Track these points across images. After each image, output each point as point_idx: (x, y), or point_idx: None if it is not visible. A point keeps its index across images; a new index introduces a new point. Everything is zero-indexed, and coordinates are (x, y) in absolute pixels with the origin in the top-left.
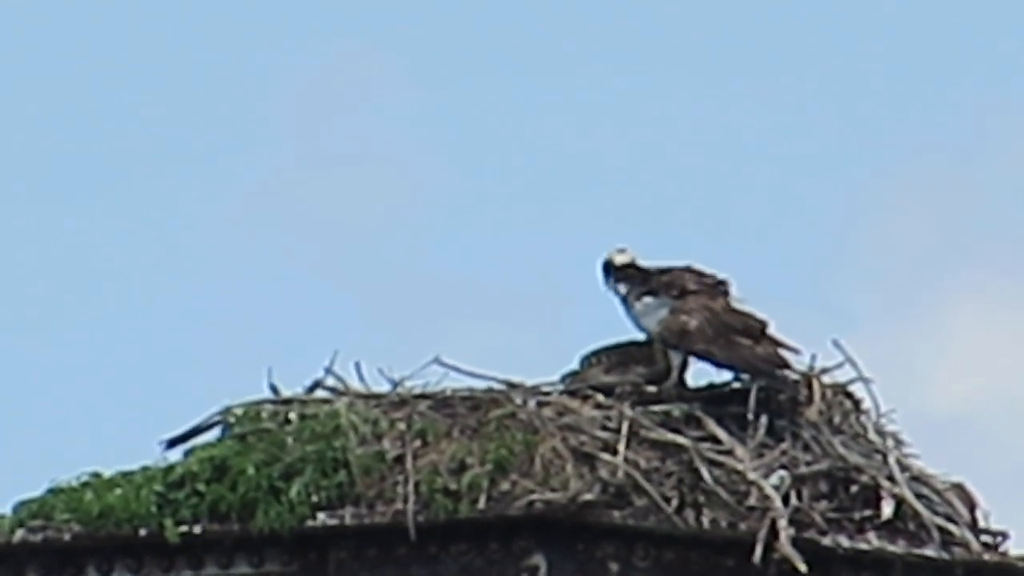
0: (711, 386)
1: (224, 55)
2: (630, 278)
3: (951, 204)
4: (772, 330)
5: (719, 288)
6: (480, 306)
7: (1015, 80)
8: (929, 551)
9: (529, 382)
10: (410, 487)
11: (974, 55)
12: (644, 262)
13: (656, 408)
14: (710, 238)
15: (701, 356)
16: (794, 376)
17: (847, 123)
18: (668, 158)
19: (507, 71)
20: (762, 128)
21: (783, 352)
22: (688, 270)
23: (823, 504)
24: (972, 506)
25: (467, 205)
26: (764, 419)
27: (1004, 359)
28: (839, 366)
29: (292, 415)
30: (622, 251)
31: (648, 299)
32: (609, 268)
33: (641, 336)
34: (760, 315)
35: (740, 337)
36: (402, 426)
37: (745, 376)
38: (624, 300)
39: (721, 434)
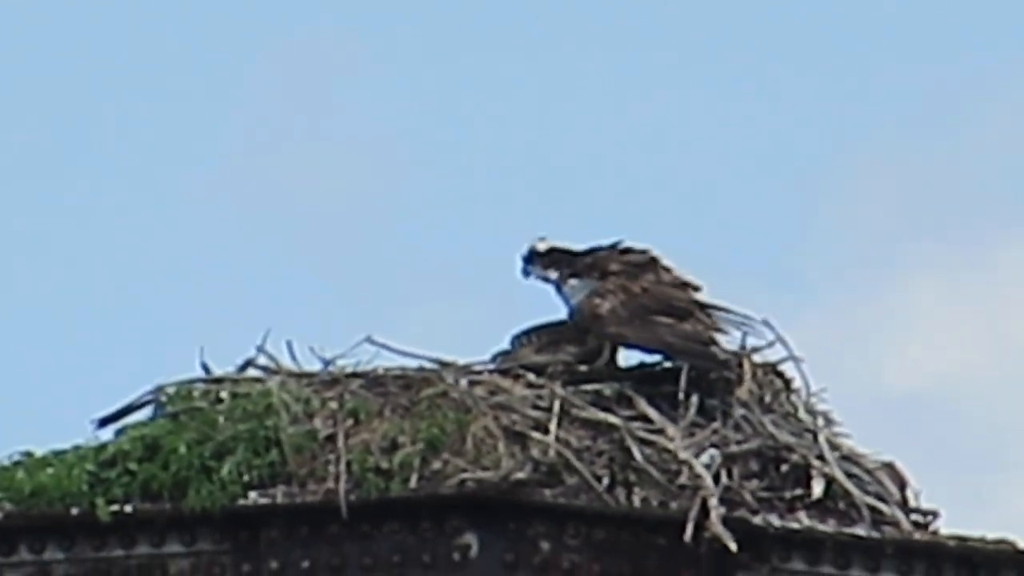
0: (642, 365)
1: (194, 35)
2: (557, 262)
3: (912, 179)
4: (704, 296)
5: (646, 267)
6: (413, 286)
7: (975, 55)
8: (859, 530)
9: (461, 361)
10: (342, 466)
11: (933, 31)
12: (574, 245)
13: (587, 387)
14: (670, 215)
15: (614, 339)
16: (721, 355)
17: (807, 99)
18: (628, 139)
19: (475, 55)
20: (723, 106)
21: (713, 331)
22: (614, 248)
23: (754, 483)
24: (902, 485)
25: (420, 187)
26: (695, 398)
27: (965, 334)
28: (770, 345)
29: (224, 394)
30: (543, 239)
31: (574, 281)
32: (533, 257)
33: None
34: (693, 286)
35: (661, 316)
36: (334, 405)
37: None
38: (556, 284)
39: (652, 413)
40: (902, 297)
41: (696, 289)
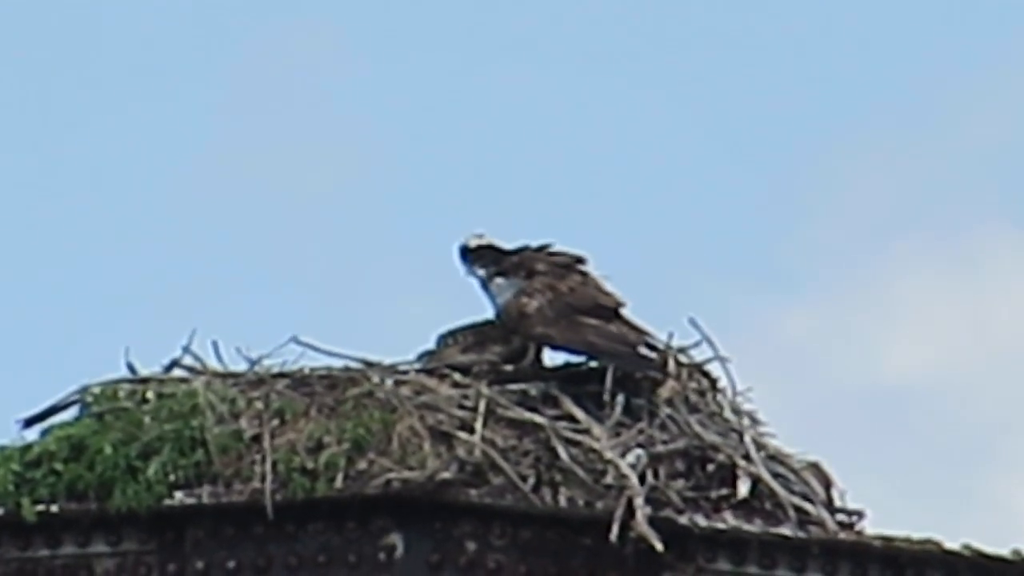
0: (568, 365)
1: (177, 27)
2: (486, 260)
3: (901, 173)
4: (627, 312)
5: (572, 267)
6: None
7: (965, 50)
8: (785, 530)
9: (386, 361)
10: (267, 466)
11: (923, 25)
12: (503, 243)
13: (513, 387)
14: (658, 210)
15: (540, 340)
16: (646, 355)
17: (796, 93)
18: (613, 133)
19: (459, 49)
20: (710, 98)
21: (639, 332)
22: (542, 250)
23: (680, 483)
24: (828, 485)
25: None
26: (621, 398)
27: (952, 328)
28: (696, 345)
29: (150, 394)
30: (479, 236)
31: (500, 280)
32: (466, 252)
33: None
34: (616, 295)
35: (586, 317)
36: (260, 405)
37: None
38: (483, 282)
39: (578, 413)
40: (890, 291)
41: (620, 304)
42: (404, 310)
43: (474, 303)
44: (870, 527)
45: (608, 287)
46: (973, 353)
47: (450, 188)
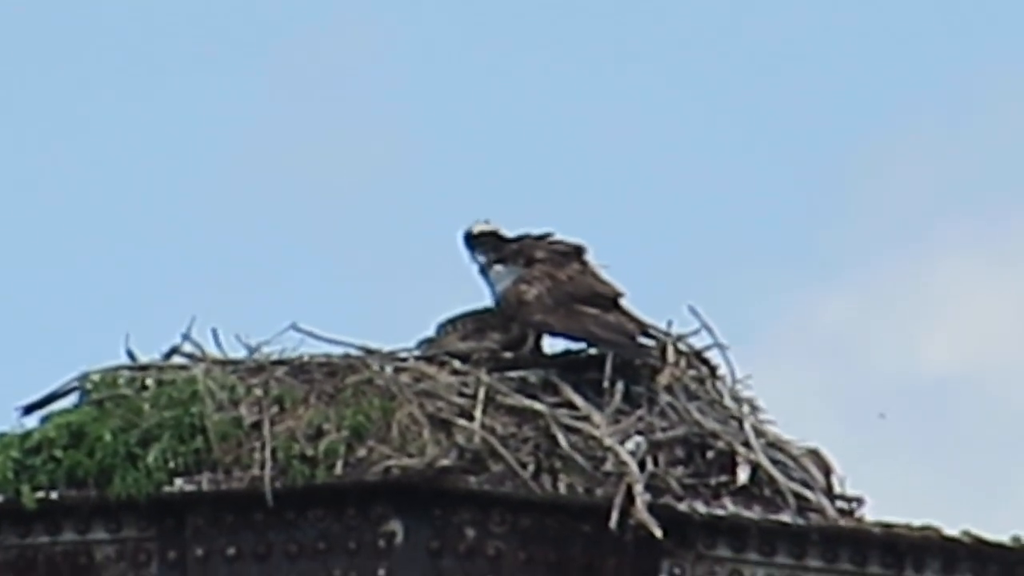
0: (567, 352)
1: (216, 23)
2: (487, 247)
3: (946, 159)
4: (626, 302)
5: (571, 256)
6: (339, 272)
7: (1007, 36)
8: (785, 517)
9: (386, 348)
10: (267, 453)
11: (968, 10)
12: (508, 231)
13: (512, 374)
14: (703, 196)
15: (539, 327)
16: (646, 343)
17: (838, 81)
18: (661, 122)
19: (495, 44)
20: (759, 84)
21: (638, 322)
22: (543, 238)
23: (679, 470)
24: (827, 472)
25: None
26: (620, 385)
27: (991, 317)
28: (695, 332)
29: (149, 381)
30: (484, 222)
31: (499, 267)
32: (469, 239)
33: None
34: (615, 284)
35: (584, 306)
36: (259, 392)
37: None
38: (482, 269)
39: (577, 400)
40: (931, 279)
41: (619, 294)
42: (404, 297)
43: (475, 290)
44: (870, 514)
45: (607, 277)
46: (1014, 342)
47: (475, 180)
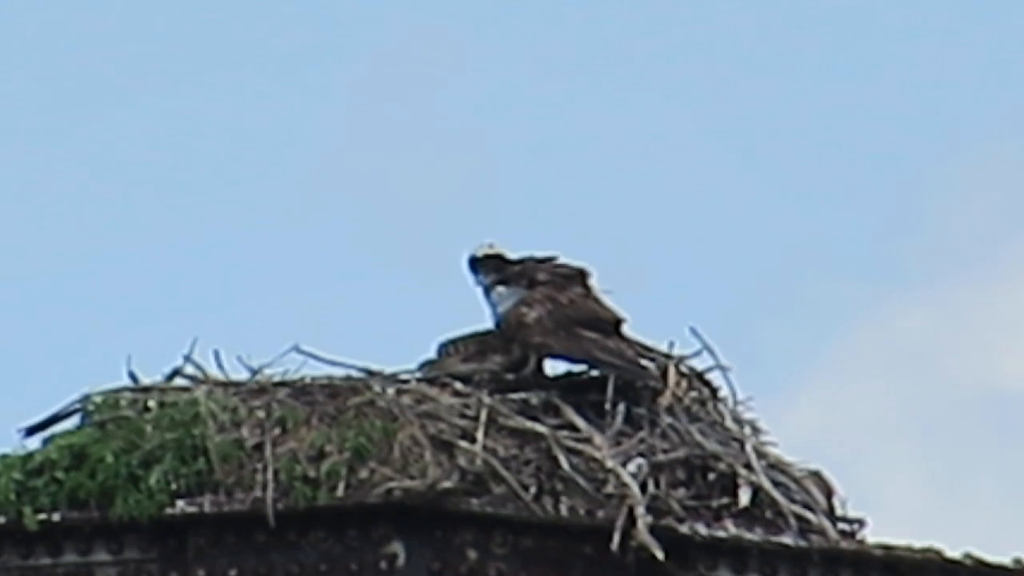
0: (569, 374)
1: (293, 29)
2: (490, 268)
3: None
4: (627, 328)
5: (574, 280)
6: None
7: None
8: (786, 539)
9: (388, 370)
10: (269, 474)
11: None
12: (510, 253)
13: (514, 396)
14: (781, 209)
15: (539, 349)
16: (647, 365)
17: (920, 98)
18: (740, 133)
19: (572, 61)
20: (841, 101)
21: (639, 347)
22: (546, 261)
23: (681, 492)
24: (829, 493)
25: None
26: (622, 407)
27: None
28: (697, 354)
29: (151, 403)
30: (489, 245)
31: (501, 288)
32: (474, 262)
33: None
34: (616, 310)
35: (584, 330)
36: (261, 414)
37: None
38: (486, 290)
39: (579, 422)
40: (1010, 295)
41: (620, 320)
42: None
43: (478, 312)
44: (871, 536)
45: (608, 302)
46: None
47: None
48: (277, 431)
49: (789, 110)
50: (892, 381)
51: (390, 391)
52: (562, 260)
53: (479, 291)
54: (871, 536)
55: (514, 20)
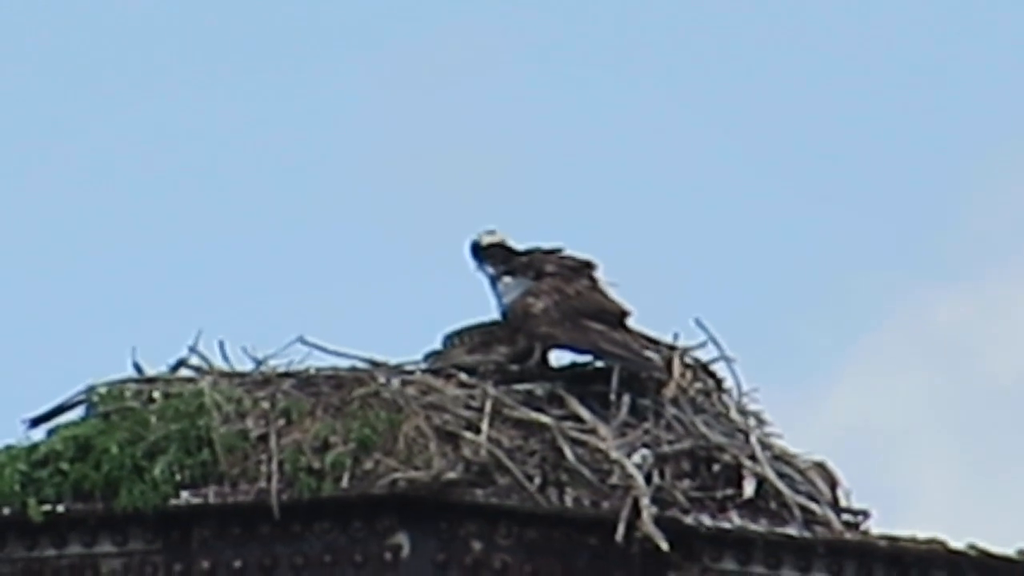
0: (574, 365)
1: (315, 24)
2: (496, 259)
3: None
4: (633, 322)
5: (580, 272)
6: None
7: None
8: (791, 530)
9: (392, 361)
10: (274, 466)
11: None
12: (516, 243)
13: (519, 387)
14: (825, 201)
15: (545, 339)
16: (652, 356)
17: (962, 88)
18: (786, 124)
19: (604, 60)
20: (885, 95)
21: (644, 339)
22: (553, 252)
23: (685, 483)
24: (833, 485)
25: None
26: (627, 398)
27: None
28: (702, 345)
29: (156, 394)
30: (491, 233)
31: (508, 279)
32: (477, 249)
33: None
34: (622, 303)
35: (590, 322)
36: (266, 405)
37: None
38: (491, 280)
39: (584, 413)
40: None
41: (626, 312)
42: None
43: (481, 302)
44: (876, 527)
45: (614, 295)
46: None
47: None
48: (282, 422)
49: (826, 101)
50: (929, 373)
51: (395, 382)
52: (568, 251)
53: (482, 278)
54: (903, 528)
55: (529, 17)
